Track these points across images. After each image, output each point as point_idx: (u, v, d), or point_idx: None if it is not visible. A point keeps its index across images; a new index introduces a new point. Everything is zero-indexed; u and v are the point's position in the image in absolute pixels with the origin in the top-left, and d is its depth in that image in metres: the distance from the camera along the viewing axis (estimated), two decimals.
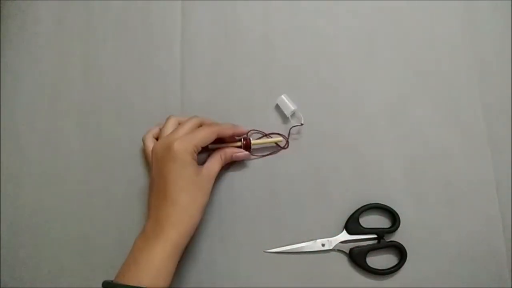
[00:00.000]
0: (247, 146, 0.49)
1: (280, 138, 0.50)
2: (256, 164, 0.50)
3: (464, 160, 0.50)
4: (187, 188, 0.43)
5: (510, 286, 0.47)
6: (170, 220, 0.42)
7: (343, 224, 0.48)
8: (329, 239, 0.47)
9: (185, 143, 0.43)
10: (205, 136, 0.45)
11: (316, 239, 0.48)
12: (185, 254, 0.48)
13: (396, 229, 0.47)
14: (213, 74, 0.53)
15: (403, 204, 0.48)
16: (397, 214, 0.48)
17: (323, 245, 0.47)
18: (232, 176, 0.50)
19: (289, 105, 0.49)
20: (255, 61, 0.53)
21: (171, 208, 0.42)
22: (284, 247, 0.48)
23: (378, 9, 0.54)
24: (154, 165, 0.44)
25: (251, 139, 0.49)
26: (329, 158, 0.50)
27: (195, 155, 0.44)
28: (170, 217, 0.42)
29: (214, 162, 0.47)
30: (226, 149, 0.48)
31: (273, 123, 0.51)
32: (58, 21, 0.56)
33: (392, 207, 0.48)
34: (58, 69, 0.54)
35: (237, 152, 0.49)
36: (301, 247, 0.47)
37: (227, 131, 0.47)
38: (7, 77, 0.54)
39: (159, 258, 0.40)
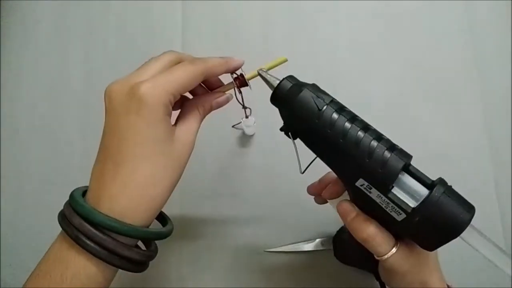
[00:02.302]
0: (241, 84, 0.36)
1: (285, 58, 0.37)
2: (256, 163, 0.50)
3: (464, 160, 0.50)
4: (150, 157, 0.29)
5: (510, 286, 0.47)
6: (113, 206, 0.29)
7: (342, 223, 0.48)
8: (329, 238, 0.47)
9: (157, 88, 0.29)
10: (186, 77, 0.30)
11: (316, 238, 0.48)
12: (185, 254, 0.48)
13: None
14: None
15: None
16: None
17: (322, 244, 0.47)
18: (232, 174, 0.50)
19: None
20: (255, 61, 0.53)
21: (120, 186, 0.29)
22: (284, 247, 0.48)
23: (378, 9, 0.54)
24: (108, 115, 0.30)
25: (244, 74, 0.36)
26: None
27: (171, 107, 0.30)
28: (116, 200, 0.29)
29: (191, 120, 0.33)
30: (203, 97, 0.35)
31: (275, 123, 0.51)
32: (58, 21, 0.56)
33: None
34: (58, 69, 0.54)
35: (217, 98, 0.35)
36: (301, 246, 0.47)
37: (217, 69, 0.33)
38: (8, 77, 0.54)
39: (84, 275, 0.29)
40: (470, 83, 0.52)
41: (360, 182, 0.30)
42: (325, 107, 0.30)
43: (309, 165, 0.35)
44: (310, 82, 0.32)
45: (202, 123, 0.40)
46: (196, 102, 0.34)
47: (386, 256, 0.31)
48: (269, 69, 0.36)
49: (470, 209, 0.29)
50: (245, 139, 0.51)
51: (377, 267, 0.38)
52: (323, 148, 0.32)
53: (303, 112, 0.30)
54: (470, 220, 0.29)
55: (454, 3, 0.54)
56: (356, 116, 0.31)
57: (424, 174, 0.31)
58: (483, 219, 0.48)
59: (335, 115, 0.30)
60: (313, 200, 0.49)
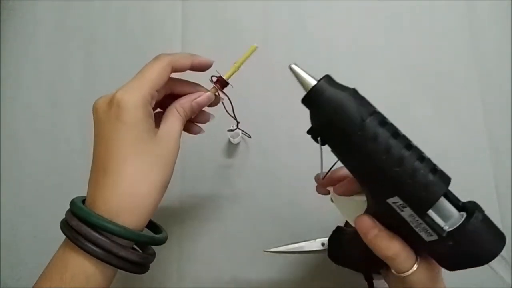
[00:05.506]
0: (222, 85, 0.37)
1: (255, 46, 0.37)
2: (256, 163, 0.50)
3: (464, 160, 0.50)
4: (135, 156, 0.31)
5: (510, 286, 0.47)
6: (107, 208, 0.30)
7: (342, 223, 0.48)
8: None
9: (131, 91, 0.31)
10: (155, 73, 0.32)
11: (315, 239, 0.47)
12: (185, 254, 0.48)
13: None
14: (213, 73, 0.53)
15: None
16: None
17: (322, 244, 0.47)
18: (232, 175, 0.50)
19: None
20: (255, 61, 0.53)
21: (110, 187, 0.31)
22: (284, 247, 0.47)
23: (378, 9, 0.54)
24: (95, 127, 0.34)
25: (222, 75, 0.37)
26: (329, 158, 0.50)
27: (150, 107, 0.32)
28: (109, 202, 0.30)
29: (172, 120, 0.34)
30: (181, 98, 0.36)
31: (274, 123, 0.51)
32: (58, 21, 0.56)
33: None
34: (58, 69, 0.54)
35: (196, 98, 0.36)
36: (301, 246, 0.47)
37: (183, 61, 0.34)
38: (8, 77, 0.54)
39: (84, 275, 0.30)
40: (470, 83, 0.52)
41: (394, 200, 0.28)
42: (368, 119, 0.27)
43: (328, 171, 0.33)
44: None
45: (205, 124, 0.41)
46: (175, 104, 0.35)
47: (409, 272, 0.30)
48: (243, 62, 0.36)
49: (502, 239, 0.28)
50: (245, 139, 0.51)
51: (371, 271, 0.37)
52: (358, 161, 0.29)
53: (343, 121, 0.27)
54: (501, 250, 0.28)
55: (455, 3, 0.54)
56: (398, 130, 0.29)
57: (455, 196, 0.29)
58: None
59: (379, 128, 0.27)
60: (312, 200, 0.49)
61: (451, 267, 0.30)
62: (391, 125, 0.28)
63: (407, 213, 0.28)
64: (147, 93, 0.32)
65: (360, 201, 0.33)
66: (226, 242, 0.48)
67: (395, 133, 0.28)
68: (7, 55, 0.55)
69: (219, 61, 0.53)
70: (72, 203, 0.32)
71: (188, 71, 0.37)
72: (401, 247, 0.30)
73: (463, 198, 0.51)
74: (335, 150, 0.30)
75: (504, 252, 0.47)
